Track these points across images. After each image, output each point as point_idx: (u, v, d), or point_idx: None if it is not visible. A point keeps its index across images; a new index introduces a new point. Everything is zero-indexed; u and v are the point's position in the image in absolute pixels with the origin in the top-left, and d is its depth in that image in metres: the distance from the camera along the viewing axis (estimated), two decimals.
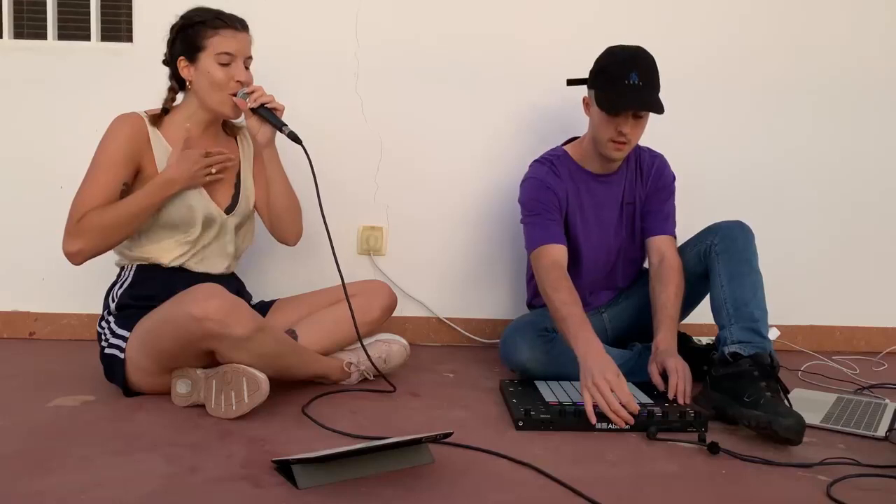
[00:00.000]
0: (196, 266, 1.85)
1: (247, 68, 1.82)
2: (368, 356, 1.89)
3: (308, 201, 1.81)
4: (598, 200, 2.06)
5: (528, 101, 2.40)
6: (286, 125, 1.81)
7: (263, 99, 1.79)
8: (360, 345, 1.97)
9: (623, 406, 1.60)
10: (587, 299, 2.08)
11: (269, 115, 1.81)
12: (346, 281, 2.03)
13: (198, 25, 1.77)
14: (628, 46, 1.91)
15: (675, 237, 2.05)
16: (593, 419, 1.61)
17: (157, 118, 1.83)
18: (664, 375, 1.78)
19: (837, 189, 2.54)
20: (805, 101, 2.49)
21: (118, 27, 2.43)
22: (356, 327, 1.83)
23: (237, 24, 1.80)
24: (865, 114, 2.52)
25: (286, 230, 1.99)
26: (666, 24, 2.41)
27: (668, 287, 1.91)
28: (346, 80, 2.36)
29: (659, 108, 1.84)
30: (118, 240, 1.77)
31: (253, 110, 1.80)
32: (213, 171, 1.79)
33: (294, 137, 1.79)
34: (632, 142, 1.92)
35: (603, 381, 1.61)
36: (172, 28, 1.82)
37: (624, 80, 1.84)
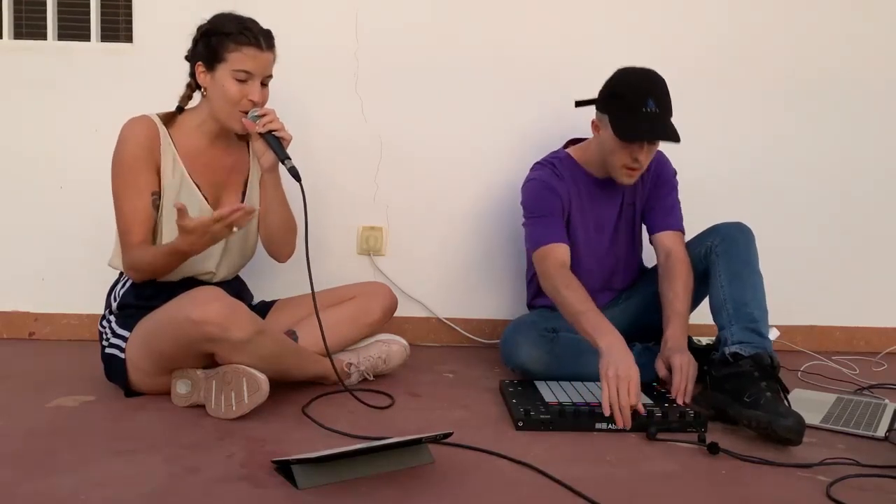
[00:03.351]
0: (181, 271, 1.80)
1: (264, 85, 1.77)
2: (340, 379, 1.81)
3: (303, 210, 1.76)
4: (599, 203, 2.06)
5: (528, 102, 2.39)
6: (289, 158, 1.75)
7: (272, 126, 1.74)
8: (360, 345, 1.98)
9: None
10: None
11: (274, 143, 1.75)
12: (346, 282, 2.06)
13: (222, 36, 1.71)
14: (639, 69, 1.88)
15: (681, 231, 2.03)
16: (607, 411, 1.61)
17: (170, 118, 1.80)
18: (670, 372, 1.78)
19: (837, 189, 2.54)
20: (805, 102, 2.49)
21: (118, 27, 2.42)
22: (325, 342, 1.72)
23: (262, 43, 1.72)
24: (866, 114, 2.51)
25: (279, 250, 1.95)
26: (665, 25, 2.41)
27: (675, 282, 1.91)
28: (346, 80, 2.36)
29: (677, 137, 1.82)
30: (169, 272, 1.76)
31: (260, 134, 1.76)
32: (235, 229, 1.60)
33: (294, 174, 1.72)
34: (644, 167, 1.92)
35: (624, 379, 1.61)
36: (199, 29, 1.76)
37: (641, 108, 1.82)
